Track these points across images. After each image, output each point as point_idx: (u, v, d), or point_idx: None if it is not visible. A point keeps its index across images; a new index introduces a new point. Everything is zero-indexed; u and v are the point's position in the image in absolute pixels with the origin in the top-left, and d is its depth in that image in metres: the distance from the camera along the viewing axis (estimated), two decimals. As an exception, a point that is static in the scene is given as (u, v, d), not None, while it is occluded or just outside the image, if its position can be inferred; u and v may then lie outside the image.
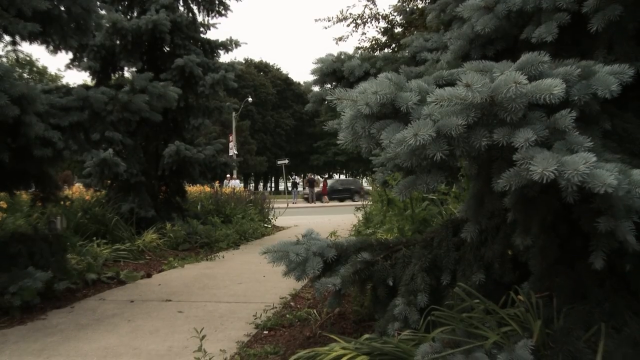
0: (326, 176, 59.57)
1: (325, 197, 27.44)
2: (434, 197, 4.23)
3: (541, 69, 1.53)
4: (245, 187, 26.52)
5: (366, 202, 8.16)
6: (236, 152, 29.09)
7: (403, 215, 4.50)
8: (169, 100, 4.10)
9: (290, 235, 7.80)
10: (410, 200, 4.38)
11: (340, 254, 2.57)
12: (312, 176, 33.64)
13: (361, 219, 8.12)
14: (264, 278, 4.50)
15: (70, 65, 6.69)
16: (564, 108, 1.45)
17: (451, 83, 1.77)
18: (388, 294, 2.41)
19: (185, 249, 6.22)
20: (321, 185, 28.99)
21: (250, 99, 32.55)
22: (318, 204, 25.73)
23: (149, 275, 4.65)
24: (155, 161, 7.09)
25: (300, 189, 29.89)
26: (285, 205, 16.95)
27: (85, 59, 6.72)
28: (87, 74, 6.86)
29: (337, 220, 11.88)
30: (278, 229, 9.91)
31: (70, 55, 7.02)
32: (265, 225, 9.63)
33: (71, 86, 3.84)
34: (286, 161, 24.27)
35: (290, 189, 32.09)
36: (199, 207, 8.38)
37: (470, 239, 2.03)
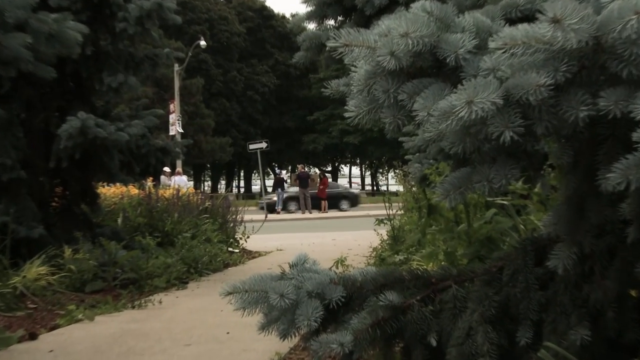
0: (328, 169, 59.62)
1: (325, 203, 27.65)
2: (505, 202, 4.27)
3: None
4: (196, 187, 26.60)
5: (394, 210, 8.21)
6: (181, 130, 29.23)
7: (453, 231, 4.54)
8: (67, 43, 4.06)
9: (270, 265, 7.85)
10: (466, 208, 4.42)
11: (351, 294, 2.60)
12: (305, 169, 33.72)
13: (385, 237, 8.23)
14: (228, 336, 4.53)
15: None
16: None
17: (529, 17, 1.79)
18: None
19: (96, 290, 6.25)
20: (319, 183, 29.10)
21: (203, 43, 32.52)
22: (315, 214, 25.88)
23: (33, 337, 4.61)
24: (44, 145, 7.05)
25: (287, 189, 30.02)
26: (262, 216, 17.00)
27: None
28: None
29: (346, 241, 11.96)
30: (250, 255, 9.96)
31: None
32: (231, 249, 9.68)
33: None
34: (264, 145, 24.26)
35: (270, 189, 32.10)
36: (119, 220, 8.43)
37: (564, 271, 2.06)
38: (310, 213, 26.03)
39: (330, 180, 34.88)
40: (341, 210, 26.32)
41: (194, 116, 40.82)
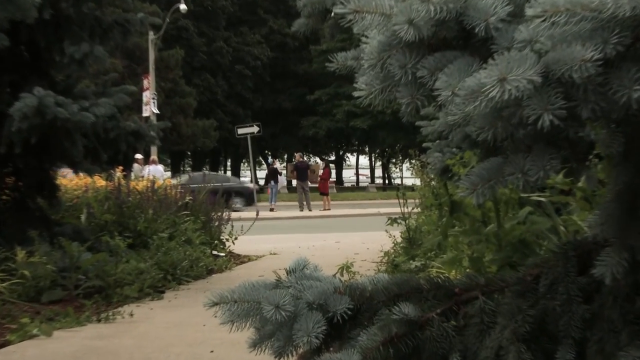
0: (331, 158, 59.40)
1: (327, 198, 27.57)
2: (542, 199, 4.28)
3: None
4: (175, 177, 26.51)
5: (409, 207, 8.22)
6: (157, 111, 29.21)
7: (480, 233, 4.55)
8: (21, 5, 4.03)
9: (262, 271, 7.88)
10: (495, 206, 4.43)
11: (359, 306, 2.61)
12: (304, 158, 33.63)
13: (400, 240, 8.24)
14: (212, 355, 4.55)
15: None
16: None
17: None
18: (451, 384, 2.45)
19: (55, 301, 6.24)
20: (320, 175, 29.07)
21: (184, 7, 32.46)
22: (315, 212, 25.86)
23: (-23, 356, 4.61)
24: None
25: (283, 181, 29.91)
26: (253, 214, 16.95)
27: None
28: None
29: (353, 243, 11.99)
30: (239, 259, 9.98)
31: None
32: (215, 252, 9.72)
33: None
34: (255, 129, 24.24)
35: (263, 182, 32.02)
36: (83, 217, 8.42)
37: (612, 280, 2.06)
38: (310, 210, 26.00)
39: (331, 170, 34.83)
40: (234, 210, 23.41)
41: (172, 94, 40.82)
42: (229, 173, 52.63)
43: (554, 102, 1.50)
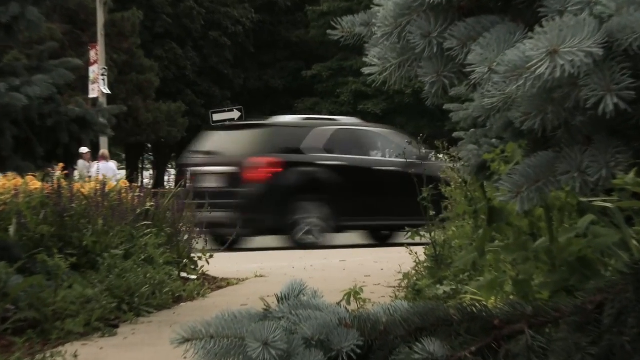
0: None
1: None
2: (608, 205, 4.27)
3: None
4: (131, 179, 26.53)
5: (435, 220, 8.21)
6: (108, 91, 29.13)
7: (527, 249, 4.56)
8: None
9: (245, 298, 7.86)
10: (547, 214, 4.43)
11: (371, 342, 2.62)
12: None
13: (423, 258, 8.18)
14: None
15: None
16: None
17: None
18: None
19: (-24, 338, 6.22)
20: None
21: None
22: None
23: None
24: None
25: None
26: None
27: None
28: None
29: (362, 263, 11.96)
30: (215, 283, 9.94)
31: None
32: (185, 275, 9.67)
33: None
34: (235, 114, 24.15)
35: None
36: (11, 229, 8.35)
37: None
38: None
39: None
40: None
41: (127, 69, 40.77)
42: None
43: (620, 80, 1.51)
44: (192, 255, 10.31)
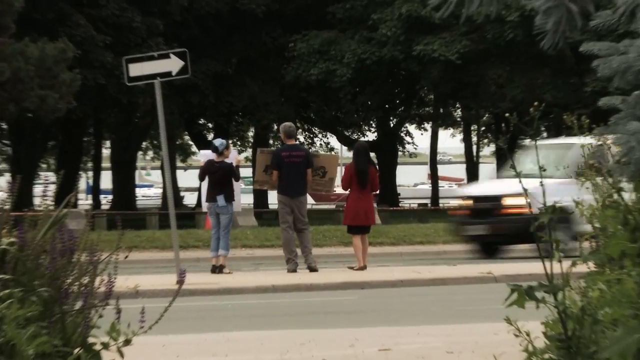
0: (365, 137, 52.86)
1: (364, 239, 19.76)
2: None
3: None
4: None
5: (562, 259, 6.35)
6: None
7: None
8: None
9: None
10: None
11: None
12: (297, 139, 28.20)
13: (544, 344, 6.78)
14: None
15: None
16: None
17: None
18: None
19: None
20: (327, 175, 21.69)
21: None
22: (330, 272, 20.15)
23: None
24: None
25: (239, 195, 22.24)
26: (172, 277, 14.69)
27: None
28: None
29: (425, 352, 8.83)
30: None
31: None
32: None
33: None
34: (177, 65, 17.10)
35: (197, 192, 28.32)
36: None
37: None
38: (315, 269, 18.37)
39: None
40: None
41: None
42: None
43: None
44: (90, 340, 7.54)
